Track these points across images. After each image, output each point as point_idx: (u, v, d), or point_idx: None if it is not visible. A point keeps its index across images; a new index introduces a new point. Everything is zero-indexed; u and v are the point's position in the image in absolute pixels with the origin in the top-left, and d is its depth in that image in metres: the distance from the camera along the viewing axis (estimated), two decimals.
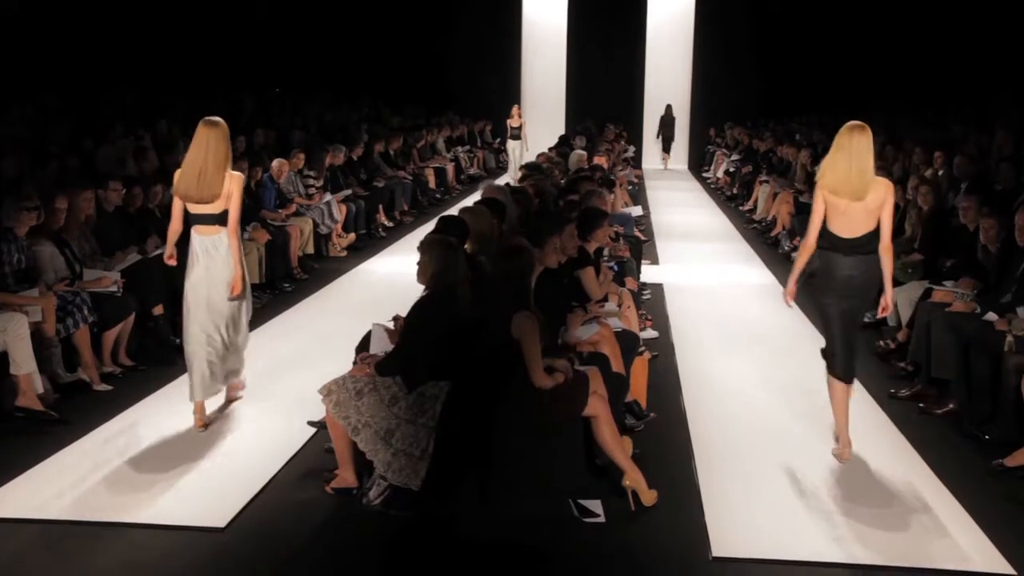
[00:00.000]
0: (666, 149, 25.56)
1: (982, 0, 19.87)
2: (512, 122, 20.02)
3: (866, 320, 8.08)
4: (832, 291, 5.45)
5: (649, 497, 4.89)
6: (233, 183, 5.85)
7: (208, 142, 5.75)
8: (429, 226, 7.73)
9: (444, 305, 4.97)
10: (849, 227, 5.32)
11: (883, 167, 10.57)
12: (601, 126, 20.54)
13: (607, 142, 17.62)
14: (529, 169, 10.53)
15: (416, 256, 5.09)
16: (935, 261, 7.93)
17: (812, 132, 17.41)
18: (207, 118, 5.85)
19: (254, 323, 7.16)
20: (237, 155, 11.00)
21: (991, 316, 6.20)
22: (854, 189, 5.23)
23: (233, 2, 20.83)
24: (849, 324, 5.52)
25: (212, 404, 6.19)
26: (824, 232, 5.43)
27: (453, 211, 6.69)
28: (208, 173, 5.75)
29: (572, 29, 25.81)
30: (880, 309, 5.57)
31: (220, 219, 5.86)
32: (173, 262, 6.06)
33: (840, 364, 5.54)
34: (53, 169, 9.01)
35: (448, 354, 4.92)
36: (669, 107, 25.47)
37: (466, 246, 5.72)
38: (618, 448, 4.91)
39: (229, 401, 6.36)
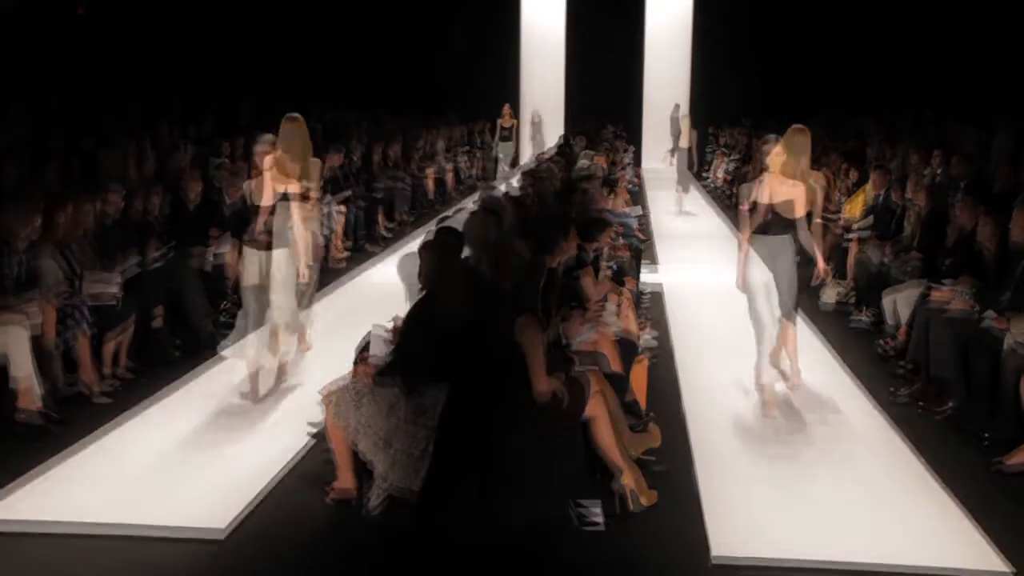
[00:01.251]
0: (673, 150, 25.31)
1: (982, 0, 19.86)
2: (503, 122, 19.44)
3: (864, 320, 8.58)
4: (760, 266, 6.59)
5: (649, 498, 4.89)
6: (311, 167, 6.83)
7: (292, 133, 6.70)
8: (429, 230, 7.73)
9: (440, 306, 4.98)
10: (792, 209, 6.49)
11: (881, 166, 10.62)
12: (600, 127, 20.47)
13: (606, 142, 17.58)
14: (529, 171, 10.52)
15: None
16: (934, 260, 7.93)
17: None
18: (288, 114, 6.81)
19: None
20: (236, 157, 11.06)
21: (990, 315, 6.20)
22: (794, 174, 6.45)
23: (233, 3, 20.82)
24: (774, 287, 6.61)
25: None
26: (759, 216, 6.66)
27: (452, 215, 6.72)
28: (290, 158, 6.68)
29: (571, 30, 25.77)
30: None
31: (300, 196, 6.79)
32: (264, 237, 6.78)
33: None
34: (53, 170, 9.00)
35: (447, 355, 4.92)
36: (677, 106, 25.25)
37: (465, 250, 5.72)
38: (615, 449, 4.92)
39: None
